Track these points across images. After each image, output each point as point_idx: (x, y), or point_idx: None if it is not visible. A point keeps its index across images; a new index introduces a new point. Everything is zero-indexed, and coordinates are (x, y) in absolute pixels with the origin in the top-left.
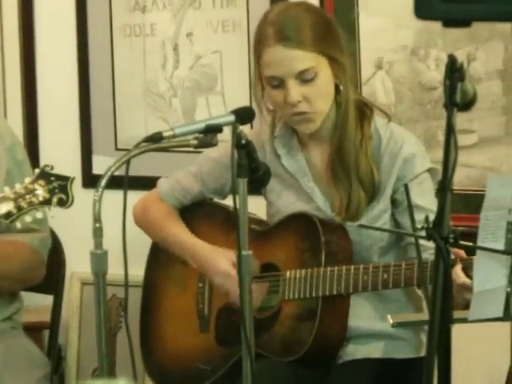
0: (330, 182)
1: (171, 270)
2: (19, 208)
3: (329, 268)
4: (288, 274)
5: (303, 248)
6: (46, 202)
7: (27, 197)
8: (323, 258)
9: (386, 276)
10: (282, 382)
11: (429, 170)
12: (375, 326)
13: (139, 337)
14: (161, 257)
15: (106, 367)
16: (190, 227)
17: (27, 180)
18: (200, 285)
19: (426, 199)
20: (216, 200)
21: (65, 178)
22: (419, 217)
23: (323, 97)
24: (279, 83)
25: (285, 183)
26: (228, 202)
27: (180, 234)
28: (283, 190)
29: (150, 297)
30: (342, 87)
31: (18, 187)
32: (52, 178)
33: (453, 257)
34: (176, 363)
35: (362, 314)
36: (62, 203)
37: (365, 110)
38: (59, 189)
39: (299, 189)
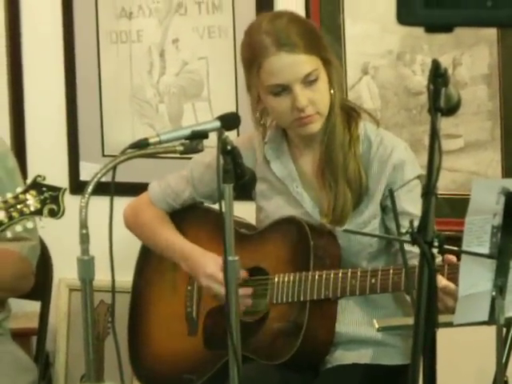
0: (320, 186)
1: (160, 274)
2: (10, 217)
3: (317, 272)
4: (276, 277)
5: (292, 252)
6: (37, 213)
7: (18, 206)
8: (312, 262)
9: (373, 281)
10: None
11: (418, 177)
12: (364, 332)
13: (127, 340)
14: (150, 260)
15: (93, 373)
16: (180, 231)
17: (18, 190)
18: (189, 288)
19: (415, 206)
20: (207, 204)
21: (56, 189)
22: (407, 223)
23: (325, 98)
24: (282, 90)
25: (275, 188)
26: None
27: (171, 237)
28: (273, 195)
29: (139, 300)
30: (333, 90)
31: (9, 197)
32: (44, 189)
33: (438, 260)
34: (164, 367)
35: (352, 320)
36: (53, 214)
37: (351, 113)
38: (50, 199)
39: (288, 194)
